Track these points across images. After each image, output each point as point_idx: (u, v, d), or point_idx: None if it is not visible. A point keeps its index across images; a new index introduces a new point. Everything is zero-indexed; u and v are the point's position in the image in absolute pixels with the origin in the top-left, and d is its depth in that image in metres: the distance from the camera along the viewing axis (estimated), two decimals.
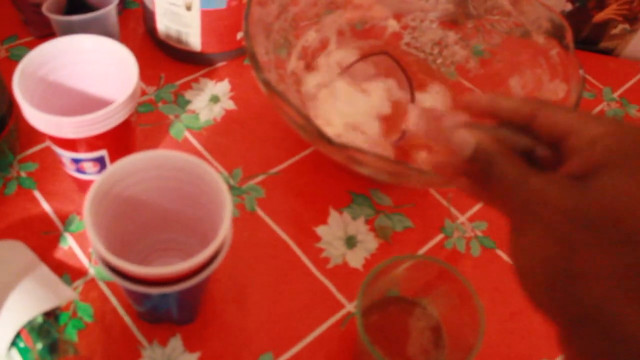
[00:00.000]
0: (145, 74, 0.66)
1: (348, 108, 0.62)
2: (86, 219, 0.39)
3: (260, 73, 0.47)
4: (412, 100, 0.65)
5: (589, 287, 0.27)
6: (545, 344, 0.55)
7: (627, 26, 0.80)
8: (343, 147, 0.43)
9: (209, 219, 0.44)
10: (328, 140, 0.44)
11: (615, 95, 0.79)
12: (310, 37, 0.63)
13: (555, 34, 0.58)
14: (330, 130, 0.59)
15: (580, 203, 0.27)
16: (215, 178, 0.42)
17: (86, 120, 0.45)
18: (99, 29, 0.57)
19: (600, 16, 0.79)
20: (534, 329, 0.55)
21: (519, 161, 0.31)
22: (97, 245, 0.38)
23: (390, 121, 0.63)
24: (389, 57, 0.68)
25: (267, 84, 0.47)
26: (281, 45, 0.59)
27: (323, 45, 0.65)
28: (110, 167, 0.42)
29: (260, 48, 0.52)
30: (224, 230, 0.40)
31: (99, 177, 0.41)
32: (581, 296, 0.27)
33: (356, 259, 0.56)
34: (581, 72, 0.53)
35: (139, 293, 0.43)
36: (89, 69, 0.52)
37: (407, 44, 0.69)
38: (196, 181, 0.44)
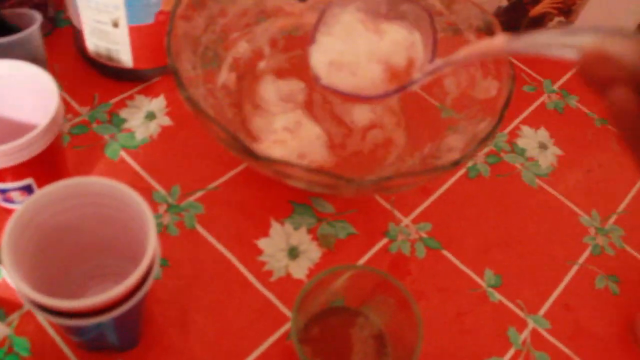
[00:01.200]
0: (78, 94, 0.64)
1: (343, 45, 0.57)
2: (5, 255, 0.38)
3: (184, 90, 0.46)
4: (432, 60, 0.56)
5: None
6: (493, 342, 0.55)
7: (562, 19, 0.80)
8: (270, 162, 0.43)
9: (138, 242, 0.44)
10: (254, 156, 0.43)
11: (555, 87, 0.80)
12: (242, 47, 0.62)
13: (486, 31, 0.58)
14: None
15: None
16: (136, 200, 0.41)
17: (7, 149, 0.44)
18: (23, 51, 0.56)
19: (536, 10, 0.80)
20: (481, 327, 0.55)
21: None
22: (18, 282, 0.37)
23: (395, 74, 0.57)
24: (424, 10, 0.57)
25: (191, 101, 0.46)
26: (210, 58, 0.58)
27: (256, 55, 0.64)
28: (30, 198, 0.40)
29: (186, 64, 0.51)
30: (150, 253, 0.39)
31: (17, 209, 0.40)
32: None
33: (299, 270, 0.56)
34: (511, 68, 0.53)
35: (75, 327, 0.42)
36: (7, 95, 0.50)
37: None
38: (120, 205, 0.43)
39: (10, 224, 0.39)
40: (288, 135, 0.59)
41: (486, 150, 0.70)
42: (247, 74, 0.64)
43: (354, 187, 0.45)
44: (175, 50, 0.50)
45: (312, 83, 0.64)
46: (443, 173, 0.48)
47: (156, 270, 0.41)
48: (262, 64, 0.66)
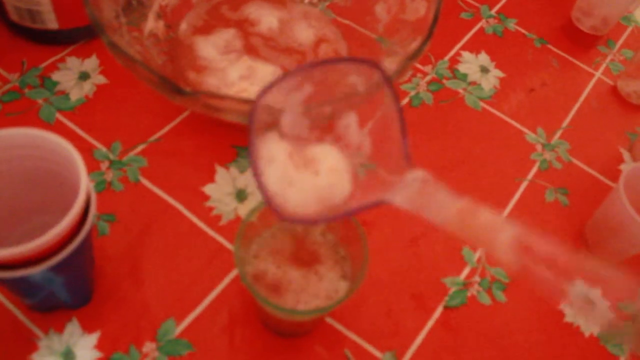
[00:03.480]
0: (6, 61, 0.62)
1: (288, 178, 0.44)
2: None
3: (105, 36, 0.45)
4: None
5: None
6: (448, 262, 0.55)
7: None
8: (197, 95, 0.42)
9: (75, 194, 0.43)
10: (181, 92, 0.42)
11: (493, 11, 0.80)
12: None
13: None
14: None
15: None
16: (62, 145, 0.40)
17: None
18: None
19: None
20: (435, 249, 0.56)
21: None
22: None
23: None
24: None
25: (113, 45, 0.45)
26: (134, 7, 0.57)
27: (184, 2, 0.63)
28: None
29: (107, 13, 0.50)
30: (82, 192, 0.38)
31: None
32: None
33: None
34: None
35: (18, 283, 0.41)
36: None
37: None
38: (49, 156, 0.42)
39: None
40: (246, 82, 0.59)
41: (428, 78, 0.70)
42: (176, 45, 0.63)
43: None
44: None
45: (242, 26, 0.63)
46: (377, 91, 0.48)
47: (93, 213, 0.40)
48: (183, 26, 0.64)
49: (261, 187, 0.38)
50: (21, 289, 0.43)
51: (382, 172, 0.39)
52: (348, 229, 0.45)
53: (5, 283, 0.42)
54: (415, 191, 0.36)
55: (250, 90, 0.57)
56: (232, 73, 0.58)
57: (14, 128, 0.40)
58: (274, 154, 0.42)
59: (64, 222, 0.37)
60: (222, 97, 0.42)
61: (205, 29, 0.64)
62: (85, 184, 0.39)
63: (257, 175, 0.38)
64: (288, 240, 0.46)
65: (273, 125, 0.42)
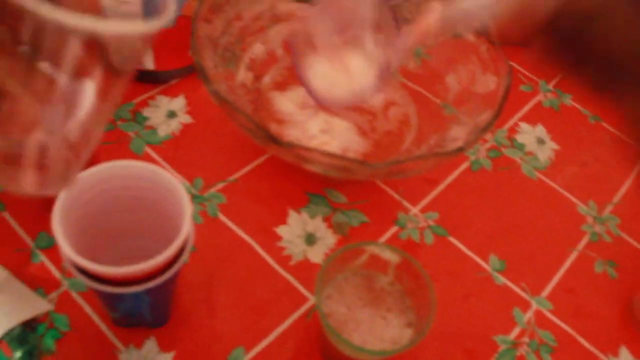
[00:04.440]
0: None
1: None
2: (55, 229, 0.41)
3: (210, 85, 0.50)
4: None
5: None
6: (499, 321, 0.58)
7: None
8: (291, 146, 0.47)
9: (172, 224, 0.47)
10: (276, 141, 0.47)
11: (550, 86, 0.84)
12: (257, 49, 0.67)
13: (483, 31, 0.62)
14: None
15: None
16: (172, 183, 0.45)
17: None
18: None
19: None
20: (487, 308, 0.59)
21: None
22: (67, 250, 0.40)
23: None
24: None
25: (216, 94, 0.50)
26: (229, 58, 0.62)
27: (270, 57, 0.69)
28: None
29: (208, 62, 0.55)
30: (185, 231, 0.43)
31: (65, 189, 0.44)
32: None
33: (317, 255, 0.59)
34: (508, 63, 0.58)
35: (112, 297, 0.45)
36: None
37: None
38: (156, 188, 0.46)
39: (58, 202, 0.43)
40: (327, 136, 0.64)
41: (488, 145, 0.74)
42: (258, 96, 0.69)
43: (368, 170, 0.49)
44: (199, 49, 0.54)
45: None
46: (449, 158, 0.52)
47: (189, 248, 0.45)
48: (266, 79, 0.70)
49: (307, 86, 0.64)
50: (114, 304, 0.48)
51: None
52: (415, 280, 0.48)
53: (103, 296, 0.46)
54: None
55: (331, 143, 0.62)
56: (313, 126, 0.63)
57: (134, 161, 0.45)
58: (314, 64, 0.65)
59: (170, 249, 0.41)
60: (313, 150, 0.47)
61: (282, 85, 0.69)
62: (189, 219, 0.43)
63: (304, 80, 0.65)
64: (359, 284, 0.50)
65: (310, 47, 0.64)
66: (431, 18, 0.51)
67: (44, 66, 0.25)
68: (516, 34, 0.73)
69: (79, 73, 0.26)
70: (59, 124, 0.28)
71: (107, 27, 0.24)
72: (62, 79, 0.26)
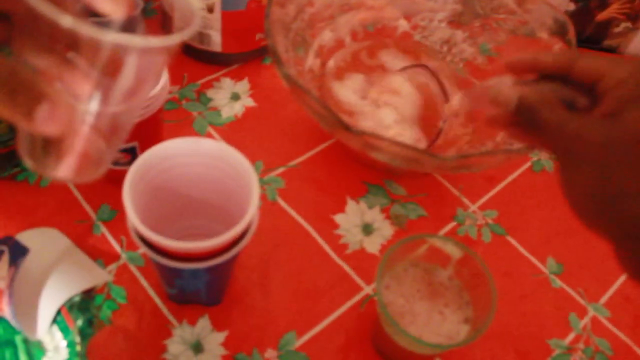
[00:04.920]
0: (170, 74, 0.69)
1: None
2: (125, 199, 0.42)
3: (282, 68, 0.50)
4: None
5: (629, 204, 0.31)
6: (554, 325, 0.57)
7: (629, 24, 0.82)
8: (360, 134, 0.47)
9: (237, 205, 0.47)
10: (346, 127, 0.47)
11: None
12: (326, 36, 0.67)
13: (558, 31, 0.61)
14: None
15: (611, 134, 0.32)
16: (242, 162, 0.45)
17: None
18: None
19: (602, 15, 0.82)
20: (543, 310, 0.58)
21: (558, 108, 0.36)
22: (134, 220, 0.41)
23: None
24: (428, 70, 0.70)
25: (288, 77, 0.50)
26: (299, 44, 0.62)
27: (338, 44, 0.68)
28: (146, 153, 0.45)
29: (280, 46, 0.55)
30: (252, 211, 0.43)
31: (136, 161, 0.44)
32: (624, 214, 0.31)
33: (373, 245, 0.59)
34: None
35: (171, 272, 0.46)
36: None
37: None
38: (225, 167, 0.47)
39: (129, 175, 0.43)
40: (399, 127, 0.64)
41: None
42: (322, 84, 0.69)
43: (436, 162, 0.48)
44: (272, 32, 0.54)
45: (373, 73, 0.68)
46: (517, 155, 0.51)
47: (253, 231, 0.45)
48: (330, 64, 0.70)
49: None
50: (173, 279, 0.48)
51: None
52: (475, 277, 0.48)
53: (163, 271, 0.47)
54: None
55: (405, 134, 0.61)
56: (387, 117, 0.63)
57: (215, 141, 0.46)
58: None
59: (236, 228, 0.41)
60: (382, 138, 0.46)
61: (342, 72, 0.69)
62: (256, 200, 0.43)
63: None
64: (418, 276, 0.49)
65: None
66: None
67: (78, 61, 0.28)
68: None
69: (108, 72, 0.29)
70: (93, 116, 0.30)
71: (134, 42, 0.27)
72: (94, 74, 0.29)
